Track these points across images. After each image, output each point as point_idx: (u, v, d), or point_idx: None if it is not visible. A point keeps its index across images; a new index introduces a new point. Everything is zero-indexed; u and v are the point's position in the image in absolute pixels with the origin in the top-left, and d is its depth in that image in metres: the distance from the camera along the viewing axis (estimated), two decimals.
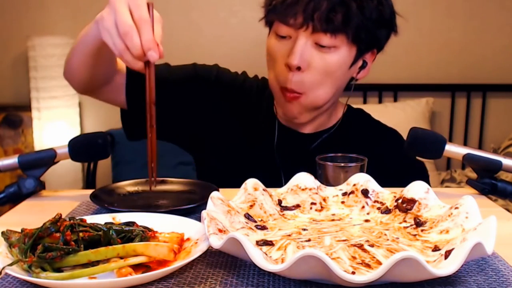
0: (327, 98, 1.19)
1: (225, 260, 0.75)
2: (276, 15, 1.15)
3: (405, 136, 1.12)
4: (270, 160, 1.26)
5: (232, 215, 0.82)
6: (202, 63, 1.34)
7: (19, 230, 0.74)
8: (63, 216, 0.75)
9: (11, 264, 0.67)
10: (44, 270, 0.67)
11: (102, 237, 0.72)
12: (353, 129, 1.31)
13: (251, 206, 0.88)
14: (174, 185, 1.09)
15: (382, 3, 1.15)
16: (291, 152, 1.27)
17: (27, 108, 2.90)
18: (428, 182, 1.25)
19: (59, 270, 0.68)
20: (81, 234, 0.71)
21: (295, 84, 1.15)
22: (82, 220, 0.75)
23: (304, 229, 0.83)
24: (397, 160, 1.24)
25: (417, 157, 1.27)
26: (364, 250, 0.73)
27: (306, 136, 1.28)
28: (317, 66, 1.14)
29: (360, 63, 1.21)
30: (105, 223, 0.76)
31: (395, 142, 1.31)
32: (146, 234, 0.75)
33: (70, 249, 0.69)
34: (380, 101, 3.07)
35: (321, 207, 0.92)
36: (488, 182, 1.07)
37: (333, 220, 0.88)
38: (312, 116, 1.23)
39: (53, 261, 0.68)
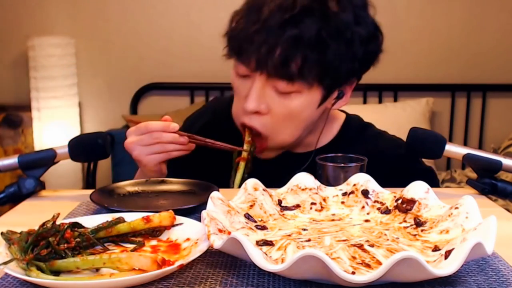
0: (293, 139, 1.12)
1: (225, 260, 0.75)
2: (232, 54, 1.08)
3: (405, 137, 1.11)
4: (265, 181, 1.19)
5: (232, 215, 0.82)
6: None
7: (19, 231, 0.74)
8: (63, 217, 0.75)
9: (6, 263, 0.68)
10: (42, 272, 0.67)
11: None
12: (350, 146, 1.18)
13: (251, 206, 0.88)
14: (174, 185, 1.09)
15: (352, 38, 1.03)
16: (285, 173, 1.17)
17: (27, 108, 2.90)
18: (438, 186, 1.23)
19: (57, 274, 0.69)
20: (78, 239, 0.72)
21: (256, 126, 1.09)
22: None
23: (304, 229, 0.83)
24: (402, 172, 1.12)
25: (422, 161, 1.24)
26: (364, 250, 0.73)
27: (298, 156, 1.19)
28: (278, 111, 1.07)
29: (335, 95, 1.11)
30: (91, 230, 0.77)
31: (399, 154, 1.19)
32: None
33: (63, 254, 0.70)
34: (380, 101, 3.07)
35: (321, 207, 0.92)
36: (488, 182, 1.07)
37: (333, 220, 0.88)
38: (279, 153, 1.15)
39: (43, 257, 0.69)
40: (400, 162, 1.19)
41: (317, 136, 1.19)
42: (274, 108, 1.07)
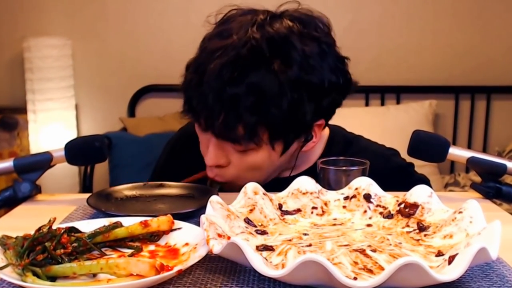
0: (262, 181, 1.05)
1: (224, 266, 0.74)
2: (185, 109, 1.05)
3: (408, 139, 1.10)
4: None
5: (232, 219, 0.81)
6: None
7: (15, 236, 0.74)
8: (59, 221, 0.75)
9: (1, 268, 0.67)
10: (38, 277, 0.67)
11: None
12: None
13: (251, 210, 0.87)
14: (172, 189, 1.08)
15: (299, 98, 0.97)
16: None
17: (23, 110, 2.89)
18: None
19: (53, 280, 0.68)
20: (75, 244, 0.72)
21: (218, 178, 1.08)
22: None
23: (305, 234, 0.82)
24: (395, 186, 1.05)
25: (415, 171, 1.21)
26: (366, 255, 0.72)
27: (286, 180, 1.13)
28: (238, 164, 1.05)
29: (302, 139, 1.06)
30: (88, 235, 0.77)
31: (389, 168, 1.16)
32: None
33: (59, 259, 0.70)
34: (382, 104, 3.05)
35: (323, 211, 0.91)
36: (492, 186, 1.06)
37: (334, 224, 0.87)
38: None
39: (40, 263, 0.68)
40: (391, 176, 1.12)
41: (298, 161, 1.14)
42: (234, 161, 1.05)
